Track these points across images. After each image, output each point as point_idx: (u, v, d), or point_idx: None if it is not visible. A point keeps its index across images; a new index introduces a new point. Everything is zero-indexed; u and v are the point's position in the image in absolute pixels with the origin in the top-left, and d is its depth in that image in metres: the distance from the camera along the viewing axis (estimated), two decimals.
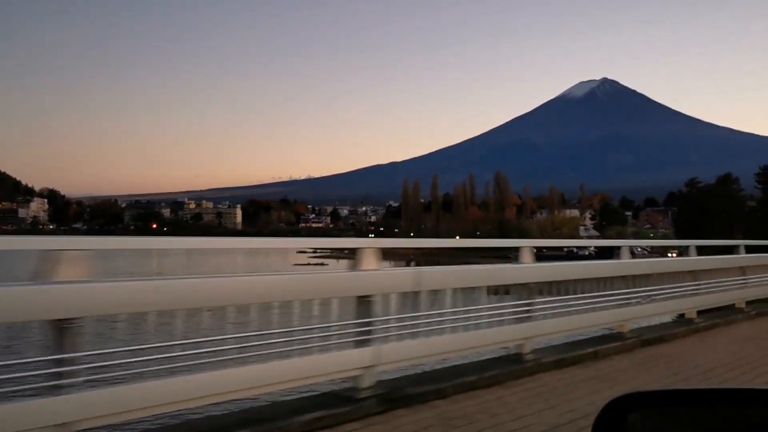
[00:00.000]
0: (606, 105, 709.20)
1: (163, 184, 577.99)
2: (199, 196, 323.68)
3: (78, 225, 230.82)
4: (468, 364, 6.20)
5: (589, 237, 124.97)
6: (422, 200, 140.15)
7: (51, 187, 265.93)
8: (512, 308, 6.37)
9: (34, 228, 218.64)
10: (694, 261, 9.92)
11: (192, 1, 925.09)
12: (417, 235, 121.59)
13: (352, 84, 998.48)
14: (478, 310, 6.03)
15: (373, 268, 5.12)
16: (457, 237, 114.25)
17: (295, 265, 67.99)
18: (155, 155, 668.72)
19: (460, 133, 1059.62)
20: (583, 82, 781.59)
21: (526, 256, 6.66)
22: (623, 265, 8.25)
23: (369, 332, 5.00)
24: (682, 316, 9.71)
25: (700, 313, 9.83)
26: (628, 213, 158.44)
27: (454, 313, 5.83)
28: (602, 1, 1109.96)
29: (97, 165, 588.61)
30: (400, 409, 4.87)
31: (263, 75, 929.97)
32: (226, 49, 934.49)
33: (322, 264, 75.52)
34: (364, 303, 5.07)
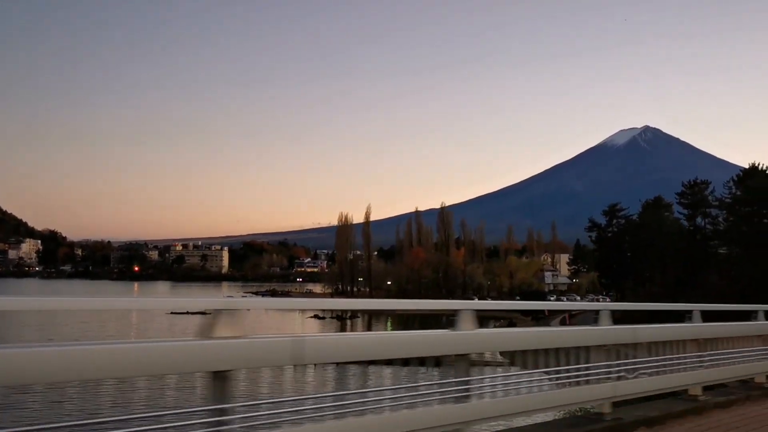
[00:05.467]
0: (648, 153, 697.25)
1: (202, 229, 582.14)
2: (239, 240, 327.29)
3: (66, 267, 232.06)
4: None
5: (555, 284, 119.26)
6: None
7: (53, 228, 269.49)
8: (440, 386, 5.13)
9: (19, 270, 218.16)
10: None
11: (222, 47, 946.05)
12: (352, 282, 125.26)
13: (390, 131, 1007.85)
14: (393, 390, 4.83)
15: (231, 335, 4.02)
16: (389, 282, 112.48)
17: (172, 313, 64.79)
18: (190, 199, 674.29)
19: (499, 180, 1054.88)
20: (624, 129, 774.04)
21: (466, 322, 5.42)
22: (603, 332, 6.90)
23: (227, 422, 3.87)
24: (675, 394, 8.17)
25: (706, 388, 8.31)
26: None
27: (362, 394, 4.67)
28: (643, 49, 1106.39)
29: (101, 207, 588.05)
30: None
31: (310, 118, 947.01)
32: (266, 93, 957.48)
33: (203, 313, 71.10)
34: (220, 380, 3.95)
